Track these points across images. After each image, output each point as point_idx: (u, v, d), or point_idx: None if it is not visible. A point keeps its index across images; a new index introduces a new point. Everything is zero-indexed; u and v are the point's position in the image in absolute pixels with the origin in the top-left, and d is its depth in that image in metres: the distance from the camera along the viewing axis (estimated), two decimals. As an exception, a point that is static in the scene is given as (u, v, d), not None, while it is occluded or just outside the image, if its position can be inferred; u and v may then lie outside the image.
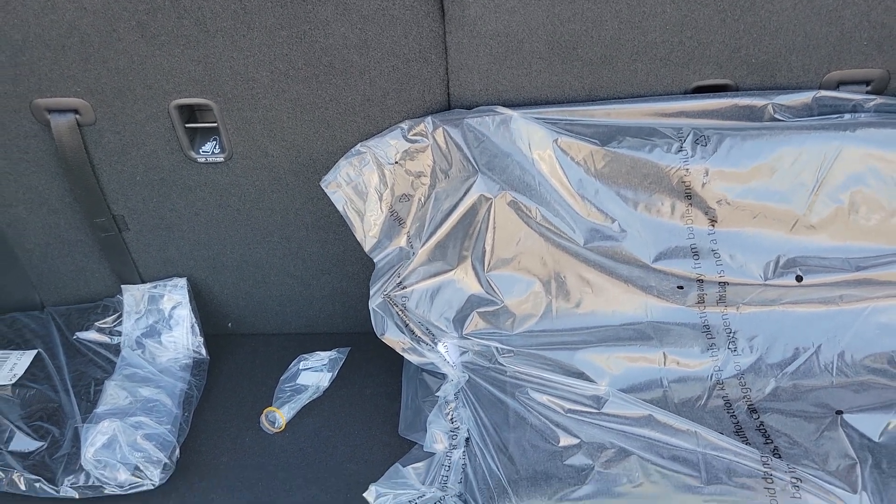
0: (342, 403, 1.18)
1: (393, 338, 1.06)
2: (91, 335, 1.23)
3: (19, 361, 1.19)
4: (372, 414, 1.14)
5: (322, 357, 1.24)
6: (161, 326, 1.23)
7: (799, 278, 0.97)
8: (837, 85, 1.00)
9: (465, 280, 1.04)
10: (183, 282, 1.24)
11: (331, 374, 1.22)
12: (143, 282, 1.26)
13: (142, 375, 1.16)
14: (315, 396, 1.19)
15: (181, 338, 1.23)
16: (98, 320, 1.24)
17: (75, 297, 1.30)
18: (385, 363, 1.20)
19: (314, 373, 1.23)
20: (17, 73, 1.03)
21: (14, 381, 1.15)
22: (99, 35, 1.00)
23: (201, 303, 1.27)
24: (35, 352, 1.20)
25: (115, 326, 1.24)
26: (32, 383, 1.15)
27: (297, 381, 1.21)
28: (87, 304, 1.28)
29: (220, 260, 1.23)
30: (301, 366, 1.23)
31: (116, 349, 1.22)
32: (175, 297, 1.24)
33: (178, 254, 1.23)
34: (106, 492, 1.00)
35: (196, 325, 1.23)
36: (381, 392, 1.18)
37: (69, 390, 1.14)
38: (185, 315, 1.23)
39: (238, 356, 1.27)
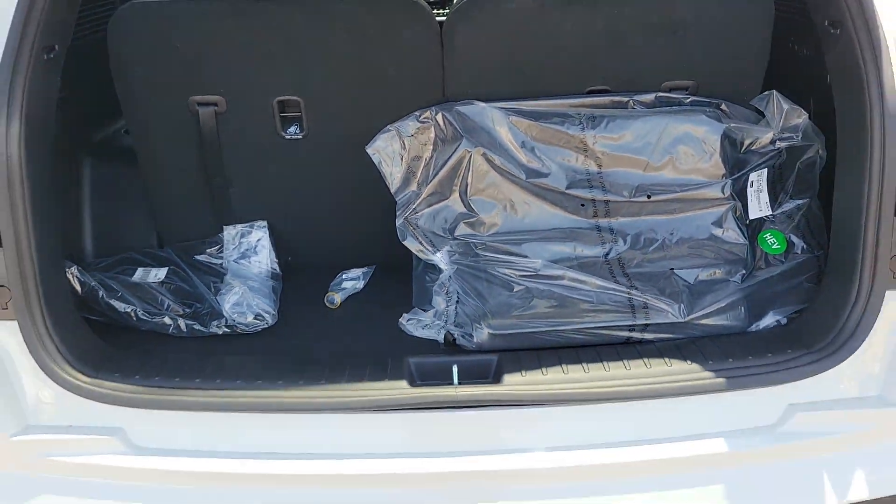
0: (372, 295, 1.82)
1: (410, 244, 1.71)
2: (204, 258, 1.85)
3: (159, 272, 1.79)
4: (392, 299, 1.77)
5: (357, 271, 1.89)
6: (249, 253, 1.86)
7: (649, 196, 1.67)
8: (669, 89, 1.72)
9: (455, 204, 1.71)
10: (264, 224, 1.88)
11: (364, 281, 1.86)
12: (238, 223, 1.89)
13: (244, 276, 1.79)
14: (354, 292, 1.83)
15: (263, 260, 1.86)
16: (208, 248, 1.86)
17: (185, 237, 1.92)
18: (397, 276, 1.84)
19: (352, 280, 1.87)
20: (181, 80, 1.69)
21: (159, 280, 1.76)
22: (230, 55, 1.67)
23: (275, 238, 1.90)
24: (167, 267, 1.81)
25: (218, 252, 1.87)
26: (173, 282, 1.76)
27: (342, 285, 1.85)
28: (196, 241, 1.90)
29: (291, 208, 1.87)
30: (343, 276, 1.88)
31: (221, 267, 1.84)
32: (258, 233, 1.88)
33: (263, 204, 1.87)
34: (238, 330, 1.62)
35: (272, 251, 1.86)
36: (396, 290, 1.81)
37: (199, 285, 1.75)
38: (265, 245, 1.87)
39: (301, 276, 1.90)
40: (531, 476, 1.35)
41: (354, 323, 1.73)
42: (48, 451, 1.38)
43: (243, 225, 1.89)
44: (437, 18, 1.69)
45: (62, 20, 1.44)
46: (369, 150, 1.73)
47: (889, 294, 1.38)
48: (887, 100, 1.34)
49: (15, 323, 1.37)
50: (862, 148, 1.36)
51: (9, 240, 1.33)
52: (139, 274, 1.77)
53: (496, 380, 1.42)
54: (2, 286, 1.35)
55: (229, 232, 1.88)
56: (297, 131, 1.77)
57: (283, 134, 1.76)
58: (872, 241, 1.36)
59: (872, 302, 1.38)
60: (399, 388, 1.39)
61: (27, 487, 1.39)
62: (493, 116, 1.68)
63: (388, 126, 1.73)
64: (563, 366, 1.43)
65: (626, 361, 1.45)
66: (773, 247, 1.65)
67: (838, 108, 1.46)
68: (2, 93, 1.31)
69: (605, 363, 1.44)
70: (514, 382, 1.40)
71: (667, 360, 1.44)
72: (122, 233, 1.93)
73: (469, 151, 1.69)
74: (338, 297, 1.78)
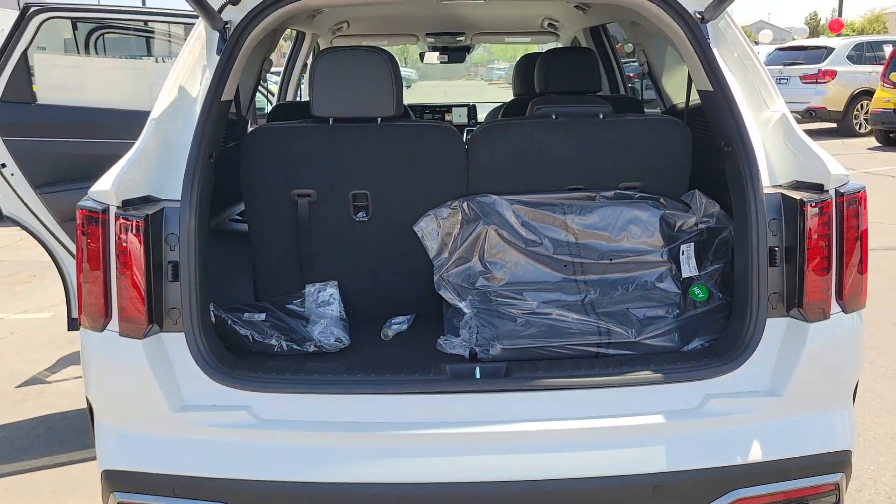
0: (414, 332, 2.49)
1: (444, 294, 2.41)
2: (291, 307, 2.54)
3: (260, 315, 2.47)
4: (430, 334, 2.43)
5: (402, 318, 2.57)
6: (324, 304, 2.55)
7: (611, 259, 2.38)
8: (624, 188, 2.48)
9: (475, 265, 2.42)
10: (335, 283, 2.58)
11: (408, 324, 2.54)
12: (316, 282, 2.59)
13: (321, 317, 2.47)
14: (400, 330, 2.50)
15: (335, 310, 2.54)
16: (294, 301, 2.55)
17: (276, 293, 2.61)
18: (432, 322, 2.51)
19: (398, 324, 2.55)
20: (287, 178, 2.44)
21: (262, 320, 2.43)
22: (322, 160, 2.43)
23: (343, 293, 2.59)
24: (265, 312, 2.49)
25: (300, 304, 2.55)
26: (270, 321, 2.43)
27: (392, 326, 2.53)
28: (284, 296, 2.59)
29: (356, 271, 2.58)
30: (392, 321, 2.55)
31: (304, 314, 2.52)
32: (331, 290, 2.57)
33: (335, 268, 2.58)
34: (324, 349, 2.29)
35: (341, 303, 2.55)
36: (432, 329, 2.48)
37: (290, 322, 2.42)
38: (336, 298, 2.56)
39: (361, 321, 2.57)
40: (529, 436, 1.98)
41: (404, 347, 2.40)
42: (198, 421, 2.02)
43: (320, 283, 2.59)
44: (463, 138, 2.49)
45: (218, 138, 2.21)
46: (416, 229, 2.46)
47: (769, 321, 2.05)
48: (759, 196, 2.07)
49: (182, 334, 2.04)
50: (746, 228, 2.08)
51: (185, 279, 2.02)
52: (246, 315, 2.46)
53: (505, 376, 2.08)
54: (175, 308, 2.03)
55: (309, 289, 2.58)
56: (364, 216, 2.51)
57: (354, 217, 2.50)
58: (755, 287, 2.06)
59: (758, 326, 2.06)
60: (440, 380, 2.06)
61: (183, 446, 2.01)
62: (502, 204, 2.44)
63: (428, 212, 2.47)
64: (552, 370, 2.10)
65: (595, 367, 2.11)
66: (699, 296, 2.35)
67: (732, 201, 2.20)
68: (186, 182, 2.05)
69: (580, 367, 2.10)
70: (517, 377, 2.06)
71: (623, 365, 2.11)
72: (229, 289, 2.62)
73: (486, 228, 2.43)
74: (390, 332, 2.46)
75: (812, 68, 16.61)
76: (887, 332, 4.96)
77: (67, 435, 3.83)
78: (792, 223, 2.01)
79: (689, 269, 2.39)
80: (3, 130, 3.80)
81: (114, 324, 2.01)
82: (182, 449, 2.00)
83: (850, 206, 2.01)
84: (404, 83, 2.62)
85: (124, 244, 1.95)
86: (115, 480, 2.00)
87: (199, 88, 2.16)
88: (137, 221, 1.93)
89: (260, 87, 4.23)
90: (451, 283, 2.41)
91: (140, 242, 1.93)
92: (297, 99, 5.32)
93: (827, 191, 2.01)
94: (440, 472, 1.94)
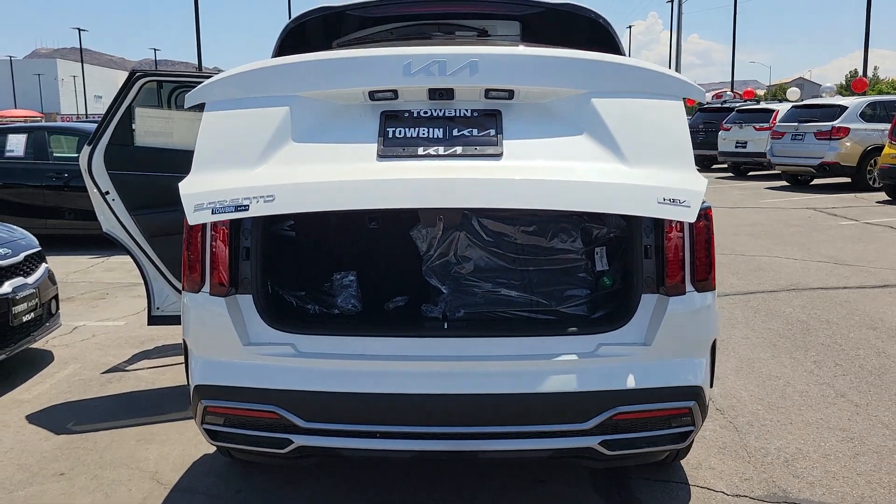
0: (407, 306, 3.51)
1: (429, 279, 3.41)
2: (323, 288, 3.56)
3: (300, 292, 3.49)
4: (416, 307, 3.44)
5: (399, 298, 3.57)
6: (346, 286, 3.57)
7: (546, 256, 3.36)
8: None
9: (451, 259, 3.42)
10: (354, 272, 3.60)
11: (404, 303, 3.54)
12: (340, 271, 3.62)
13: (343, 292, 3.49)
14: (397, 306, 3.51)
15: (353, 289, 3.56)
16: (325, 284, 3.57)
17: (313, 277, 3.64)
18: (418, 298, 3.51)
19: (395, 302, 3.54)
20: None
21: (303, 294, 3.45)
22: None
23: (359, 280, 3.62)
24: (304, 291, 3.52)
25: (330, 287, 3.57)
26: (310, 293, 3.45)
27: (392, 304, 3.53)
28: (318, 280, 3.62)
29: (369, 264, 3.60)
30: (395, 299, 3.56)
31: (332, 292, 3.54)
32: (351, 277, 3.59)
33: (354, 262, 3.60)
34: (343, 312, 3.30)
35: (357, 286, 3.57)
36: (419, 303, 3.49)
37: (324, 297, 3.45)
38: (354, 282, 3.58)
39: (371, 300, 3.60)
40: (476, 366, 2.91)
41: (399, 312, 3.39)
42: (259, 352, 3.01)
43: (344, 272, 3.61)
44: None
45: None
46: (412, 234, 3.47)
47: (644, 296, 2.99)
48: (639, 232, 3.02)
49: (250, 296, 3.06)
50: (632, 233, 3.05)
51: (253, 259, 3.04)
52: (291, 291, 3.49)
53: (464, 328, 3.06)
54: (247, 278, 3.05)
55: (336, 275, 3.60)
56: (375, 225, 3.53)
57: (369, 226, 3.52)
58: (636, 273, 3.01)
59: (637, 299, 3.00)
60: (421, 328, 3.05)
61: (248, 368, 3.00)
62: (472, 218, 3.44)
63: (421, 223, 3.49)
64: (498, 326, 3.08)
65: (526, 325, 3.09)
66: (607, 283, 3.32)
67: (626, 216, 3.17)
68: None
69: (516, 325, 3.08)
70: (471, 329, 3.05)
71: (545, 324, 3.07)
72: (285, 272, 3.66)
73: (458, 234, 3.43)
74: (391, 305, 3.46)
75: (826, 125, 17.47)
76: (852, 358, 5.80)
77: (144, 405, 4.88)
78: (659, 230, 2.97)
79: (601, 264, 3.35)
80: (109, 165, 4.96)
81: (206, 287, 3.04)
82: (247, 370, 2.99)
83: (699, 219, 2.96)
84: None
85: (215, 235, 3.00)
86: (202, 391, 3.01)
87: None
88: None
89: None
90: (435, 271, 3.40)
91: (226, 234, 2.98)
92: None
93: None
94: (420, 386, 2.89)
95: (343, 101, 2.72)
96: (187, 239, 3.04)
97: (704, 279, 2.99)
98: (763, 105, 23.41)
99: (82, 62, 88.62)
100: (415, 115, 2.65)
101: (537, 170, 2.56)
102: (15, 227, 6.05)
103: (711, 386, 3.08)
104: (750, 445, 4.11)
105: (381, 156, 2.61)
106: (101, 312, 7.34)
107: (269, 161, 2.64)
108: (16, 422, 4.63)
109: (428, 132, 2.63)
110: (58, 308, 5.90)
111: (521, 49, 2.86)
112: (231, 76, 2.85)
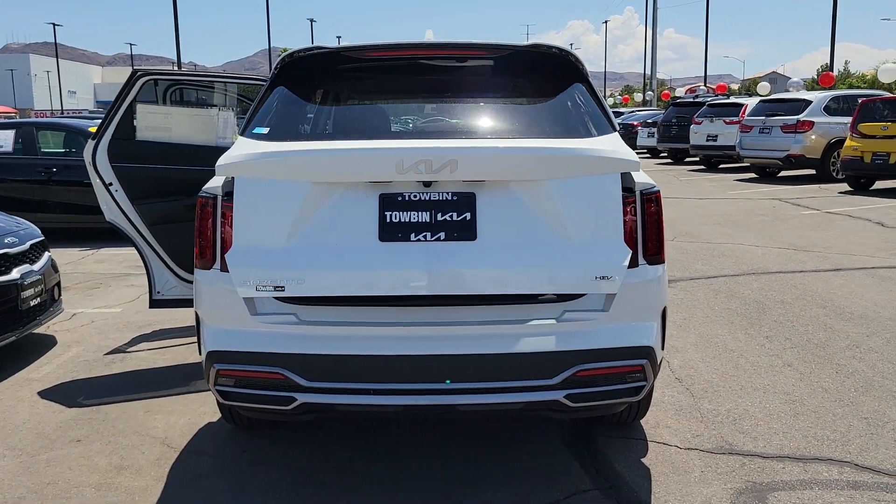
0: None
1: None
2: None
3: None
4: None
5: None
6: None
7: None
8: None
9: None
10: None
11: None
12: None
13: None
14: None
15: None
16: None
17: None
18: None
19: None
20: None
21: (300, 273, 3.86)
22: None
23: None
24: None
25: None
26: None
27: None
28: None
29: None
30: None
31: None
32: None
33: None
34: None
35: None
36: None
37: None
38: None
39: None
40: (452, 329, 3.32)
41: None
42: (265, 321, 3.37)
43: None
44: None
45: None
46: None
47: None
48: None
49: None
50: None
51: None
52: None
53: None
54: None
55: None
56: None
57: None
58: None
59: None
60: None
61: (256, 335, 3.36)
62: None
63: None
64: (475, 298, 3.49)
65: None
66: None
67: None
68: None
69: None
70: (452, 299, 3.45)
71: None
72: None
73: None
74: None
75: (791, 119, 18.11)
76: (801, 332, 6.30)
77: (147, 382, 5.25)
78: None
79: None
80: (112, 158, 5.32)
81: (217, 265, 3.43)
82: (255, 337, 3.37)
83: (648, 201, 3.40)
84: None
85: (224, 221, 3.38)
86: (215, 356, 3.39)
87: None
88: (231, 203, 3.37)
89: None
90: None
91: (233, 220, 3.37)
92: None
93: (634, 191, 3.40)
94: (407, 347, 3.26)
95: (348, 185, 3.30)
96: (199, 225, 3.42)
97: (655, 254, 3.42)
98: (733, 99, 24.06)
99: (57, 57, 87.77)
100: (406, 198, 3.25)
101: (504, 254, 3.23)
102: (19, 218, 6.37)
103: (662, 348, 3.52)
104: (703, 408, 4.57)
105: (381, 239, 3.25)
106: (97, 300, 7.67)
107: (294, 240, 3.26)
108: (29, 397, 4.98)
109: (418, 216, 3.26)
110: (60, 294, 6.24)
111: (492, 145, 3.37)
112: (255, 161, 3.31)
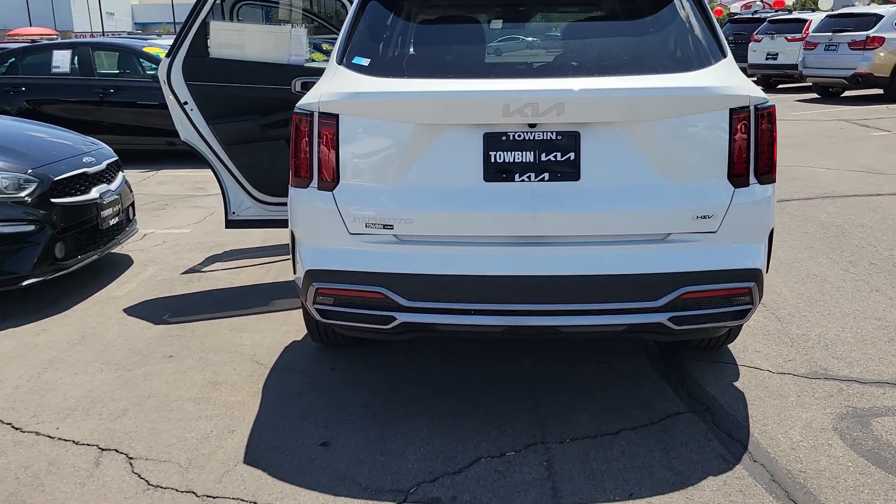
0: None
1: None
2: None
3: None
4: None
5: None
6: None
7: None
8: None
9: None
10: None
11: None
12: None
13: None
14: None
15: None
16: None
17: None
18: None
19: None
20: None
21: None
22: None
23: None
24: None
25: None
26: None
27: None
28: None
29: None
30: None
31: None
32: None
33: None
34: None
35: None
36: None
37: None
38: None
39: None
40: (556, 249, 3.26)
41: None
42: (364, 239, 3.29)
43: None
44: None
45: None
46: None
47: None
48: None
49: (351, 191, 3.40)
50: None
51: None
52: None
53: None
54: None
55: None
56: None
57: None
58: None
59: None
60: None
61: (354, 254, 3.32)
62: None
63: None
64: None
65: None
66: (674, 179, 3.62)
67: None
68: None
69: None
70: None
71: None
72: None
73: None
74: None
75: (860, 35, 17.22)
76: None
77: (227, 301, 5.32)
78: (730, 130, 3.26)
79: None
80: (187, 76, 5.25)
81: (314, 184, 3.38)
82: (353, 255, 3.34)
83: (762, 117, 3.24)
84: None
85: (321, 140, 3.31)
86: (314, 275, 3.38)
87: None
88: (331, 120, 3.29)
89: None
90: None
91: (332, 133, 3.29)
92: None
93: (748, 107, 3.24)
94: (509, 267, 3.21)
95: (453, 126, 3.24)
96: (295, 144, 3.35)
97: (766, 173, 3.28)
98: (796, 15, 22.96)
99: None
100: (511, 138, 3.17)
101: (606, 195, 3.18)
102: (92, 138, 6.40)
103: (767, 271, 3.42)
104: (792, 332, 4.49)
105: (486, 180, 3.20)
106: (165, 221, 7.76)
107: (400, 181, 3.24)
108: (116, 315, 5.10)
109: (522, 156, 3.17)
110: (135, 214, 6.30)
111: (600, 86, 3.23)
112: (363, 102, 3.26)
